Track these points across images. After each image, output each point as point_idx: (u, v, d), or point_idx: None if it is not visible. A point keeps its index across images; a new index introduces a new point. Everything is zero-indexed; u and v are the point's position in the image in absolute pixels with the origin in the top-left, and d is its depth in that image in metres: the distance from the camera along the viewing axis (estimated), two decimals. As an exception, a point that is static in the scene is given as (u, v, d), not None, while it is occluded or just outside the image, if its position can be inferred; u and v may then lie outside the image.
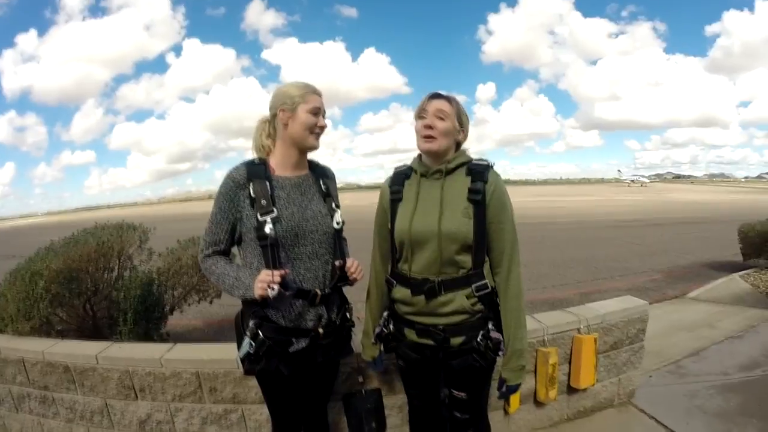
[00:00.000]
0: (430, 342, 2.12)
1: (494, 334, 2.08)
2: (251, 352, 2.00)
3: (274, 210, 1.99)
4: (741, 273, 8.07)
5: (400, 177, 2.26)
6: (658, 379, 4.13)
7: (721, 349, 4.83)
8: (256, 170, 2.05)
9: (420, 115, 2.10)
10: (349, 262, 2.16)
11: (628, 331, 3.46)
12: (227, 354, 2.91)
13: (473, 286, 2.06)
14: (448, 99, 2.10)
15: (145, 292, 4.22)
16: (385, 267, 2.33)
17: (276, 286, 1.90)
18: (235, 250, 2.20)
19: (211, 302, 5.08)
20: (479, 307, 2.08)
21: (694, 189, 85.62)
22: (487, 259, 2.11)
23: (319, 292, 2.07)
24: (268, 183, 2.03)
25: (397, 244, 2.17)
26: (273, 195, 2.03)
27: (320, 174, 2.25)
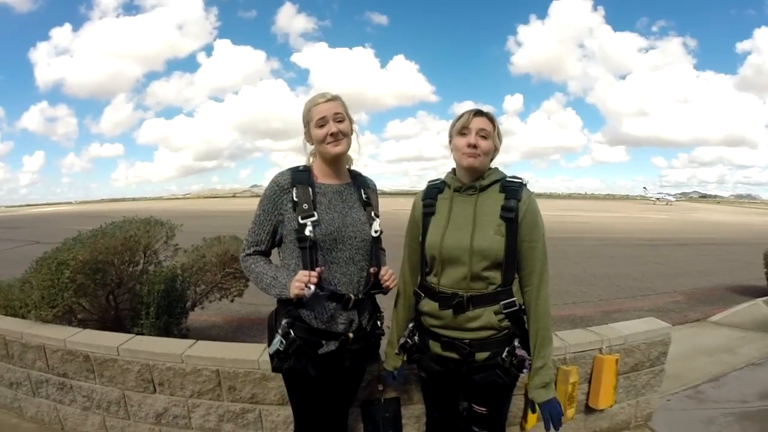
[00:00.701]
0: (455, 355, 2.13)
1: (520, 352, 2.08)
2: (281, 349, 2.06)
3: (315, 214, 2.06)
4: (765, 299, 7.92)
5: (433, 191, 2.28)
6: (677, 403, 4.08)
7: (741, 376, 4.74)
8: (300, 176, 2.15)
9: (461, 131, 2.12)
10: (383, 270, 2.20)
11: (650, 354, 3.41)
12: (248, 354, 2.95)
13: (501, 303, 2.07)
14: (491, 118, 2.12)
15: (169, 287, 4.27)
16: (414, 279, 2.35)
17: (312, 286, 1.95)
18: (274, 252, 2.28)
19: (232, 300, 5.12)
20: (506, 323, 2.09)
21: (720, 209, 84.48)
22: (516, 276, 2.11)
23: (352, 296, 2.12)
24: (310, 189, 2.12)
25: (428, 258, 2.19)
26: (315, 200, 2.10)
27: (362, 184, 2.32)
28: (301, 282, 1.95)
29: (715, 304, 8.10)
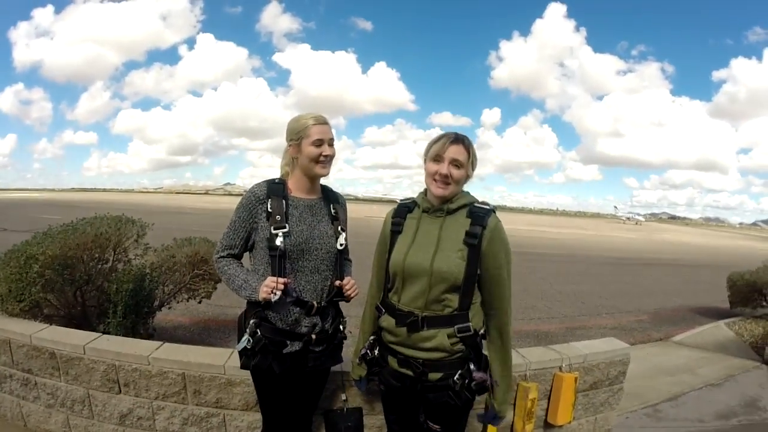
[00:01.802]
0: (410, 373, 2.18)
1: (477, 374, 2.13)
2: (248, 347, 2.20)
3: (287, 226, 2.20)
4: (726, 321, 8.16)
5: (403, 209, 2.34)
6: (635, 420, 4.18)
7: (700, 396, 4.88)
8: (276, 189, 2.29)
9: (435, 158, 2.15)
10: (346, 280, 2.34)
11: (609, 373, 3.50)
12: (215, 359, 2.97)
13: (456, 326, 2.11)
14: (466, 146, 2.15)
15: (137, 286, 4.23)
16: (379, 294, 2.39)
17: (279, 292, 2.10)
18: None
19: (200, 302, 5.12)
20: (459, 347, 2.12)
21: (688, 231, 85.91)
22: (475, 301, 2.16)
23: (315, 304, 2.25)
24: (284, 201, 2.25)
25: (391, 275, 2.24)
26: (287, 212, 2.24)
27: (332, 199, 2.46)
28: (269, 287, 2.11)
29: (678, 324, 8.30)
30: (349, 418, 2.76)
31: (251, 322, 2.21)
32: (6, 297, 3.60)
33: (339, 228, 2.39)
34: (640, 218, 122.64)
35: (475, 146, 2.19)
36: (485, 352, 2.18)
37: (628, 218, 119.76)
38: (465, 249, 2.08)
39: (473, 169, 2.22)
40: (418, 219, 2.24)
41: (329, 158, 2.29)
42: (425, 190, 2.28)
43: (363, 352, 2.39)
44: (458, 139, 2.15)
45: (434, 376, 2.13)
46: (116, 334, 3.69)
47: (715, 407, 4.56)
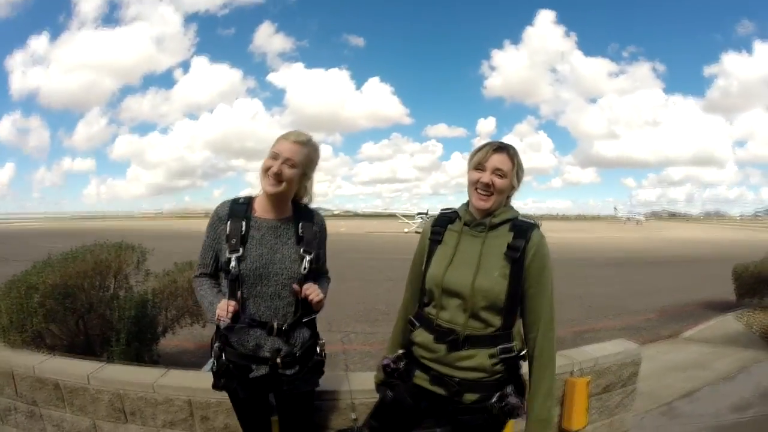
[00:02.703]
0: (442, 392, 2.04)
1: (512, 399, 1.99)
2: (213, 370, 2.17)
3: (240, 249, 2.11)
4: (734, 313, 8.11)
5: (444, 220, 2.21)
6: (650, 420, 4.13)
7: (714, 391, 4.83)
8: (238, 209, 2.21)
9: (477, 167, 2.05)
10: (305, 287, 2.15)
11: (621, 375, 3.46)
12: (221, 383, 2.91)
13: (499, 347, 1.99)
14: (510, 154, 2.03)
15: (140, 313, 4.20)
16: (414, 306, 2.27)
17: (226, 319, 2.01)
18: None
19: (204, 326, 5.04)
20: (499, 368, 2.00)
21: (689, 227, 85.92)
22: (518, 321, 2.05)
23: (275, 325, 2.14)
24: (244, 223, 2.16)
25: (427, 289, 2.12)
26: (247, 234, 2.14)
27: (303, 218, 2.29)
28: (221, 311, 2.03)
29: (687, 320, 8.25)
30: (359, 437, 2.72)
31: (215, 345, 2.18)
32: (8, 328, 3.57)
33: (302, 250, 2.21)
34: (641, 218, 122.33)
35: (519, 157, 2.05)
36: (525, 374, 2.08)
37: (629, 218, 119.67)
38: (507, 266, 1.97)
39: (518, 181, 2.09)
40: (459, 232, 2.11)
41: (277, 176, 2.11)
42: (467, 202, 2.16)
43: (386, 362, 2.24)
44: (502, 147, 2.04)
45: (470, 397, 2.00)
46: (120, 362, 3.65)
47: (731, 400, 4.52)
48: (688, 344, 6.78)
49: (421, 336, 2.12)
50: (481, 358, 1.98)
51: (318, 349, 2.31)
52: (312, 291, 2.14)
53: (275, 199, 2.20)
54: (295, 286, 2.14)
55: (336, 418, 2.79)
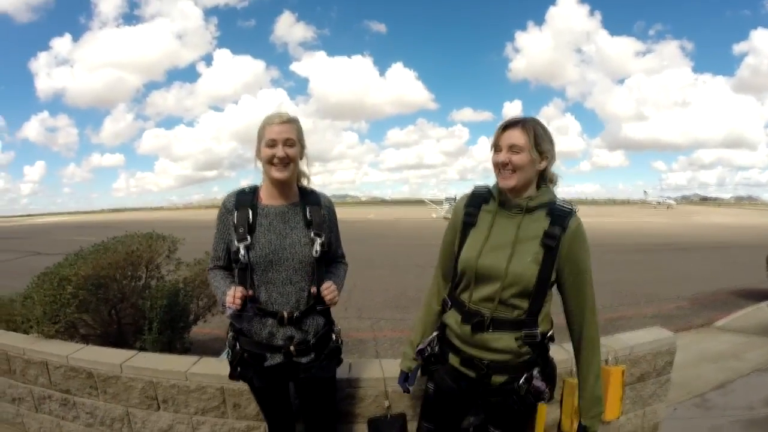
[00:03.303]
0: (472, 374, 2.07)
1: (537, 383, 2.02)
2: (229, 360, 2.21)
3: (248, 238, 2.12)
4: (768, 302, 7.93)
5: (478, 199, 2.15)
6: (683, 412, 4.07)
7: (747, 382, 4.74)
8: (244, 199, 2.23)
9: (494, 148, 2.03)
10: (324, 285, 2.20)
11: (656, 364, 3.40)
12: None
13: (524, 331, 1.99)
14: (523, 126, 1.97)
15: (171, 301, 4.26)
16: (446, 284, 2.26)
17: (233, 307, 2.01)
18: None
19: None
20: (526, 350, 2.01)
21: (720, 212, 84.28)
22: (545, 306, 2.04)
23: (285, 314, 2.14)
24: (251, 211, 2.17)
25: (460, 271, 2.10)
26: (254, 223, 2.16)
27: (310, 202, 2.30)
28: (229, 298, 2.03)
29: (719, 308, 8.10)
30: (393, 425, 2.72)
31: (229, 335, 2.22)
32: (41, 319, 3.63)
33: (313, 234, 2.22)
34: (671, 202, 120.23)
35: (540, 127, 1.97)
36: (552, 356, 2.13)
37: (659, 203, 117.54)
38: (541, 251, 1.95)
39: (542, 152, 1.99)
40: (494, 213, 2.07)
41: (283, 160, 2.13)
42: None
43: (422, 347, 2.26)
44: (514, 123, 1.98)
45: (498, 379, 2.03)
46: (153, 351, 3.71)
47: (765, 393, 4.42)
48: (720, 333, 6.66)
49: (452, 318, 2.13)
50: (508, 340, 1.99)
51: (333, 336, 2.32)
52: (329, 292, 2.19)
53: (282, 185, 2.22)
54: (314, 289, 2.18)
55: (368, 406, 2.79)
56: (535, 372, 2.03)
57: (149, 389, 3.04)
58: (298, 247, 2.17)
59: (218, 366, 3.06)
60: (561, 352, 3.15)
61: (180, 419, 3.05)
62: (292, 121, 2.18)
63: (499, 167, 2.00)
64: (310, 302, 2.20)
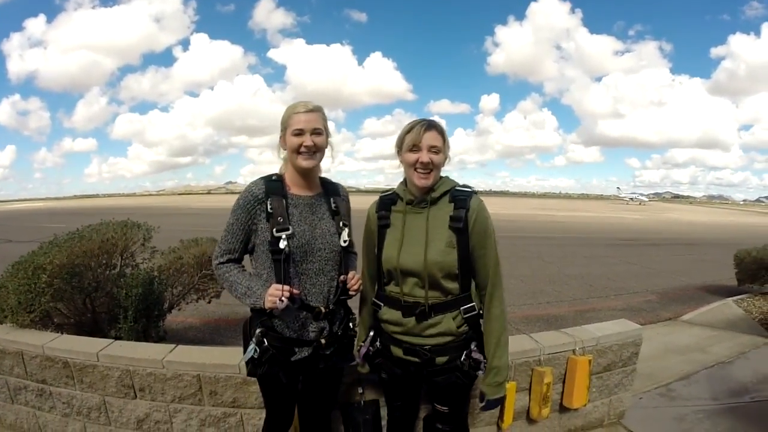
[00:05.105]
0: (416, 360, 2.21)
1: (475, 355, 2.18)
2: (255, 357, 2.11)
3: (290, 227, 2.09)
4: (735, 298, 8.11)
5: (387, 203, 2.32)
6: (649, 401, 4.18)
7: (712, 374, 4.86)
8: (274, 186, 2.17)
9: (411, 148, 2.14)
10: (350, 275, 2.25)
11: (622, 354, 3.51)
12: (229, 359, 2.97)
13: (461, 308, 2.17)
14: (440, 130, 2.15)
15: (146, 290, 4.24)
16: (372, 287, 2.41)
17: (285, 300, 1.98)
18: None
19: (209, 302, 5.15)
20: (464, 329, 2.18)
21: (692, 210, 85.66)
22: (472, 283, 2.20)
23: (323, 309, 2.17)
24: (284, 200, 2.14)
25: (385, 271, 2.25)
26: (288, 212, 2.12)
27: (332, 192, 2.33)
28: (274, 296, 2.00)
29: (687, 303, 8.27)
30: (366, 411, 2.78)
31: (257, 331, 2.13)
32: (16, 309, 3.59)
33: (341, 223, 2.27)
34: (644, 198, 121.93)
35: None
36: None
37: (632, 199, 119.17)
38: (453, 236, 2.11)
39: (449, 150, 2.21)
40: (404, 212, 2.24)
41: (311, 149, 2.14)
42: (404, 180, 2.28)
43: (364, 350, 2.41)
44: (431, 125, 2.14)
45: (441, 359, 2.18)
46: (128, 339, 3.70)
47: (728, 385, 4.55)
48: (687, 327, 6.81)
49: (388, 313, 2.27)
50: (447, 322, 2.16)
51: (351, 325, 2.35)
52: (355, 281, 2.24)
53: (308, 174, 2.23)
54: (342, 277, 2.21)
55: (343, 394, 2.84)
56: (473, 346, 2.19)
57: (126, 378, 3.04)
58: (328, 236, 2.20)
59: (194, 354, 3.09)
60: (528, 342, 3.25)
61: (157, 407, 3.06)
62: (318, 110, 2.18)
63: (418, 167, 2.13)
64: (338, 293, 2.23)
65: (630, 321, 3.79)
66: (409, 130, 2.15)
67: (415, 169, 2.13)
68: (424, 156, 2.11)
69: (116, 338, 3.60)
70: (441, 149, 2.14)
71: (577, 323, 3.74)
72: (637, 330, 3.60)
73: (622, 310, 7.76)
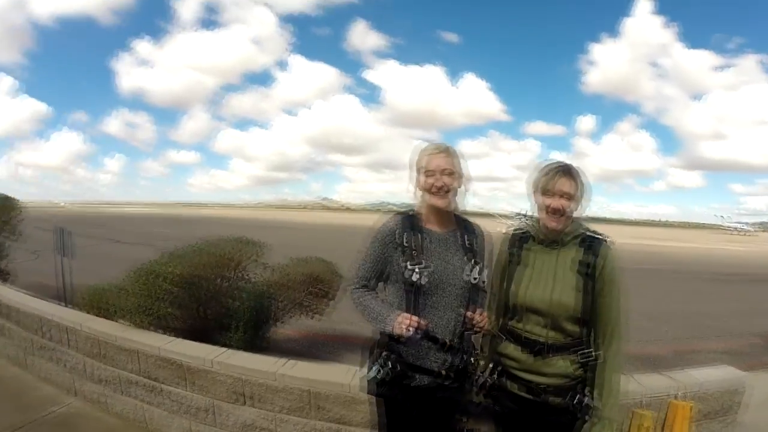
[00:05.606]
0: (530, 397, 2.24)
1: (588, 400, 2.17)
2: (378, 377, 2.22)
3: (423, 261, 2.19)
4: None
5: (518, 240, 2.38)
6: (748, 454, 4.00)
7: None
8: (410, 221, 2.29)
9: (544, 192, 2.20)
10: (477, 312, 2.26)
11: (724, 402, 3.39)
12: (340, 377, 3.12)
13: (579, 352, 2.18)
14: (575, 178, 2.19)
15: (258, 303, 4.50)
16: (497, 321, 2.42)
17: (412, 329, 2.07)
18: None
19: (312, 317, 5.35)
20: (580, 372, 2.19)
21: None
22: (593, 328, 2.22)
23: (448, 341, 2.23)
24: (419, 235, 2.25)
25: (511, 306, 2.30)
26: (422, 246, 2.23)
27: (467, 230, 2.40)
28: (403, 324, 2.08)
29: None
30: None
31: (383, 353, 2.22)
32: (135, 310, 3.92)
33: (473, 261, 2.30)
34: (749, 228, 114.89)
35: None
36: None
37: (736, 228, 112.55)
38: (580, 279, 2.15)
39: (583, 197, 2.23)
40: (535, 251, 2.29)
41: (442, 189, 2.21)
42: (536, 219, 2.32)
43: (482, 380, 2.41)
44: (566, 171, 2.18)
45: (555, 400, 2.19)
46: (237, 348, 3.92)
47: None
48: (794, 375, 6.44)
49: (509, 348, 2.31)
50: (564, 363, 2.18)
51: (472, 360, 2.38)
52: (482, 318, 2.25)
53: (441, 212, 2.31)
54: (469, 313, 2.24)
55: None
56: (586, 391, 2.19)
57: (237, 385, 3.27)
58: (459, 272, 2.26)
59: (306, 369, 3.27)
60: (630, 383, 3.21)
61: (264, 416, 3.26)
62: (447, 151, 2.27)
63: (549, 211, 2.18)
64: (463, 327, 2.29)
65: (732, 367, 3.67)
66: (546, 173, 2.22)
67: (547, 213, 2.19)
68: (555, 203, 2.16)
69: (225, 345, 3.85)
70: (573, 196, 2.18)
71: (676, 364, 3.66)
72: (741, 378, 3.48)
73: (724, 352, 7.32)
